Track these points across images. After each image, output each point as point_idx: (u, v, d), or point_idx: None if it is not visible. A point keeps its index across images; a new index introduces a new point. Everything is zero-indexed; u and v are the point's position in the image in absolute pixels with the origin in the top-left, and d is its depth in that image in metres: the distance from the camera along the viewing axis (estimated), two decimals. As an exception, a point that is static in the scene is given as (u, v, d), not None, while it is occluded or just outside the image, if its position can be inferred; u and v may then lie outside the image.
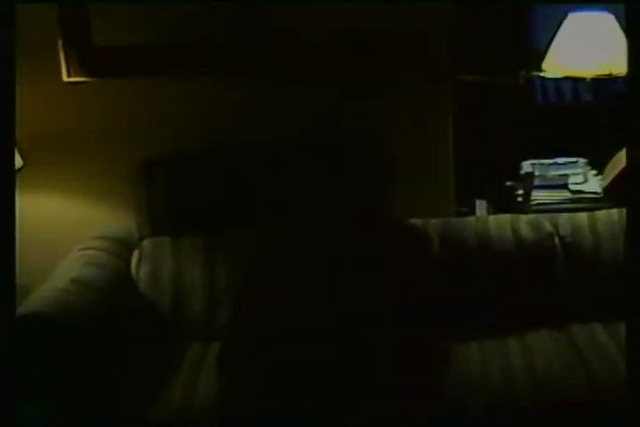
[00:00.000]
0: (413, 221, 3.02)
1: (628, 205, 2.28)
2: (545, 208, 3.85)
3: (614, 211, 3.29)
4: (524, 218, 3.28)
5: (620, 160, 3.73)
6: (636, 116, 2.11)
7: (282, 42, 3.38)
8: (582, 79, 4.08)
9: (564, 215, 3.33)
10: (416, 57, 3.41)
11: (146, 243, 3.25)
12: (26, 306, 2.80)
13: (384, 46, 3.40)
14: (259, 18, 3.36)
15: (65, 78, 3.42)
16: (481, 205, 4.02)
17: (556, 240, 3.20)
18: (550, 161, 4.16)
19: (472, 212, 3.95)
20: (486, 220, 3.31)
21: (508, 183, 4.05)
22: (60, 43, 3.38)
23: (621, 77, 3.94)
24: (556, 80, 4.69)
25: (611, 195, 3.84)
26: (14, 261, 2.22)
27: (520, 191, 3.94)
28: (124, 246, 3.27)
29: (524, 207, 3.83)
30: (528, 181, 3.92)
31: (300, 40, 3.38)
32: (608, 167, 3.99)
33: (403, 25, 3.37)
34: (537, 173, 4.04)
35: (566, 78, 4.31)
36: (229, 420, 2.49)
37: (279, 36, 3.37)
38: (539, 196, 3.98)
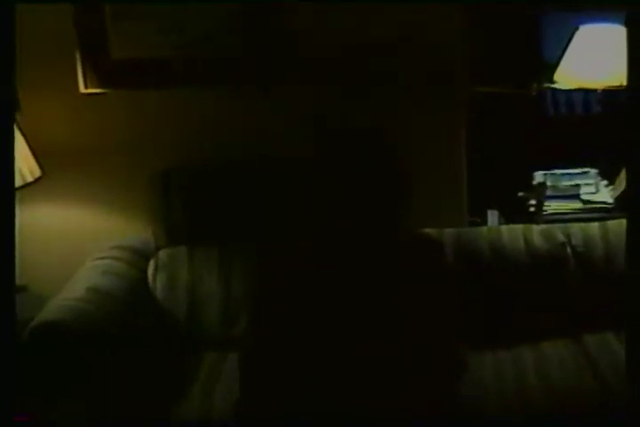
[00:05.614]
0: (426, 230, 3.04)
1: (629, 216, 2.29)
2: (557, 218, 3.87)
3: (625, 221, 3.30)
4: (536, 228, 3.29)
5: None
6: (636, 127, 2.12)
7: (294, 55, 3.41)
8: (593, 90, 4.10)
9: (576, 225, 3.33)
10: (430, 70, 3.43)
11: (162, 253, 3.26)
12: (42, 315, 2.80)
13: (398, 59, 3.42)
14: (274, 31, 3.40)
15: (82, 90, 3.45)
16: (493, 216, 4.03)
17: (569, 250, 3.21)
18: (562, 171, 4.18)
19: (484, 222, 3.97)
20: (499, 230, 3.32)
21: (520, 194, 4.06)
22: (77, 54, 3.42)
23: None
24: (567, 92, 4.71)
25: (622, 205, 3.86)
26: (13, 265, 2.23)
27: (532, 202, 3.96)
28: (140, 256, 3.28)
29: (536, 217, 3.85)
30: (540, 192, 3.93)
31: (312, 54, 3.41)
32: (619, 178, 4.01)
33: (417, 38, 3.39)
34: (549, 183, 4.06)
35: (578, 90, 4.33)
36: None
37: (294, 50, 3.41)
38: (550, 206, 4.00)
